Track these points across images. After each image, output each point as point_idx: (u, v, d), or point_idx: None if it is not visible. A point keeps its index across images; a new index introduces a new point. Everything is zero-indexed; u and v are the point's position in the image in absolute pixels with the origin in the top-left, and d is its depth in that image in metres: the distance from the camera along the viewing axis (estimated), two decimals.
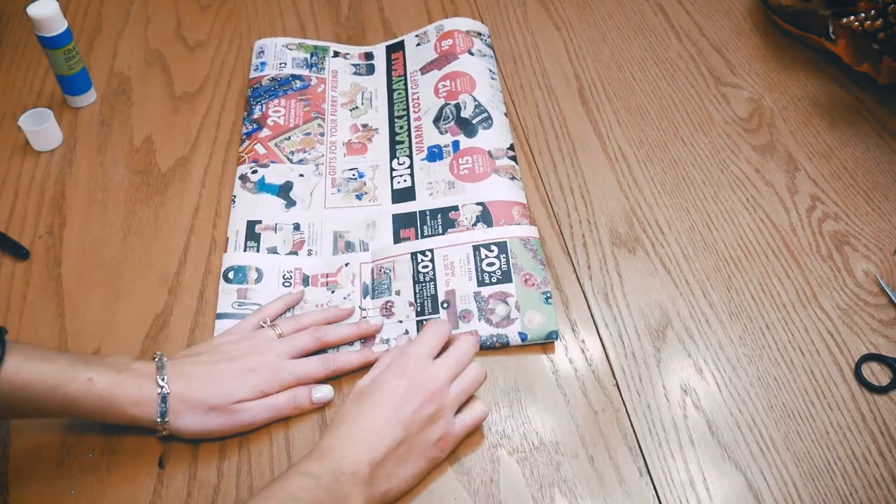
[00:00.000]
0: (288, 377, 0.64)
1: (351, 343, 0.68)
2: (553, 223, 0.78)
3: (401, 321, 0.69)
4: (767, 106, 0.89)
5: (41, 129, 0.85)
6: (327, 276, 0.73)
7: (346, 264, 0.74)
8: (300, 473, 0.54)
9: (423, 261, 0.72)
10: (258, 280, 0.72)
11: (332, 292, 0.72)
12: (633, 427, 0.63)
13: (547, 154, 0.84)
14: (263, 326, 0.67)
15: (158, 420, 0.59)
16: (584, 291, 0.72)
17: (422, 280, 0.71)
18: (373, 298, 0.71)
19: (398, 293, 0.71)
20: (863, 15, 0.84)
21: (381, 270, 0.73)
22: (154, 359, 0.61)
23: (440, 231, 0.75)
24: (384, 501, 0.57)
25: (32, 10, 0.83)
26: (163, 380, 0.59)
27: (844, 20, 0.85)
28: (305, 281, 0.73)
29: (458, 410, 0.61)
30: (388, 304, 0.70)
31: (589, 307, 0.71)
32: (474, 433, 0.62)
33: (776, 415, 0.63)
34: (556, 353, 0.68)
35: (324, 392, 0.64)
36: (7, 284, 0.74)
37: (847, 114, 0.87)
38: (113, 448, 0.62)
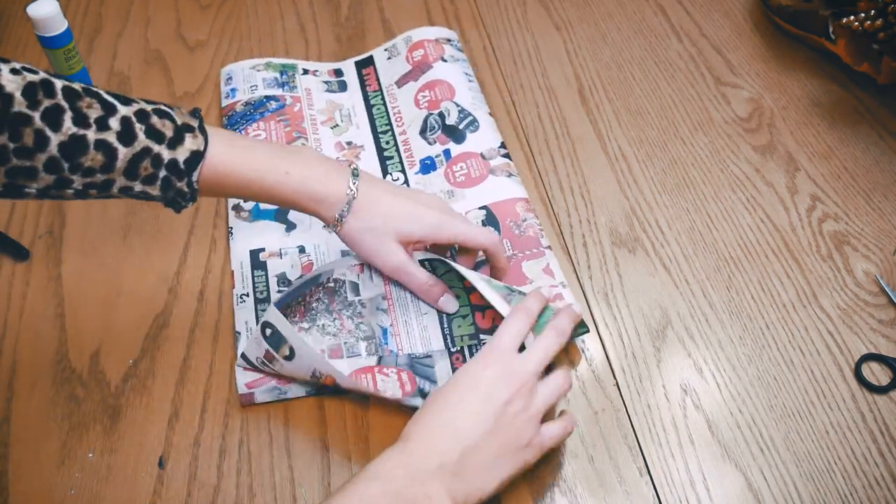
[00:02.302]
0: (451, 229, 0.65)
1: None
2: (553, 223, 0.78)
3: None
4: (767, 106, 0.89)
5: None
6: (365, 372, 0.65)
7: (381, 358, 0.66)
8: (370, 478, 0.51)
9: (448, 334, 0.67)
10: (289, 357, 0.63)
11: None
12: (633, 427, 0.63)
13: (547, 154, 0.84)
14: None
15: (337, 217, 0.63)
16: (584, 291, 0.72)
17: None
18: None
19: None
20: (863, 15, 0.84)
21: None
22: (349, 163, 0.65)
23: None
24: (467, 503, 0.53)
25: (32, 10, 0.83)
26: (353, 186, 0.62)
27: (844, 20, 0.85)
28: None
29: (544, 419, 0.58)
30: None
31: (589, 307, 0.71)
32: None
33: (776, 415, 0.63)
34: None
35: (447, 302, 0.67)
36: (7, 284, 0.74)
37: (847, 114, 0.87)
38: (113, 448, 0.62)
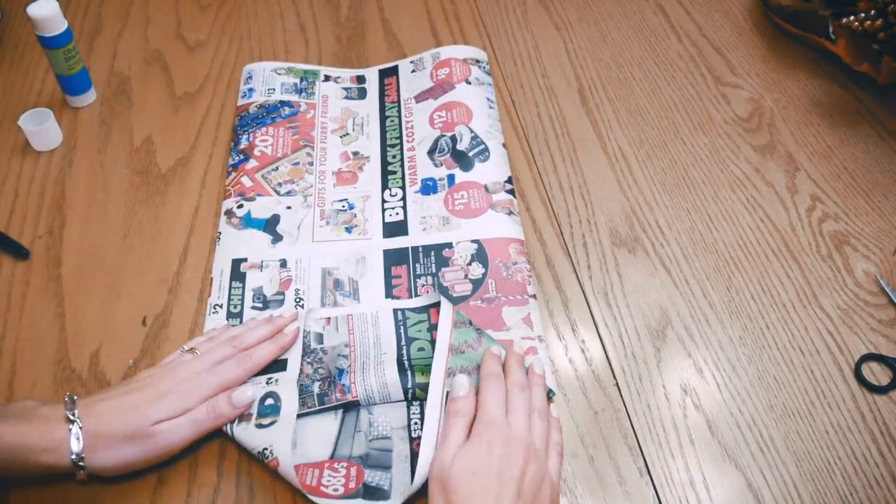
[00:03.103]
0: (206, 388, 0.60)
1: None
2: (553, 223, 0.78)
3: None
4: (767, 106, 0.89)
5: (41, 129, 0.85)
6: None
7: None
8: None
9: (414, 417, 0.63)
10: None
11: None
12: (633, 427, 0.63)
13: (547, 154, 0.84)
14: (181, 351, 0.64)
15: (74, 458, 0.55)
16: (584, 291, 0.72)
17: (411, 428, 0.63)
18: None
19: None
20: (863, 15, 0.84)
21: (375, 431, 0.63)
22: (65, 398, 0.58)
23: (433, 270, 0.72)
24: None
25: (32, 10, 0.83)
26: (73, 414, 0.56)
27: (844, 20, 0.85)
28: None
29: None
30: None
31: (589, 307, 0.71)
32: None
33: (776, 415, 0.63)
34: (556, 353, 0.67)
35: (242, 392, 0.61)
36: (7, 284, 0.74)
37: (847, 114, 0.87)
38: None
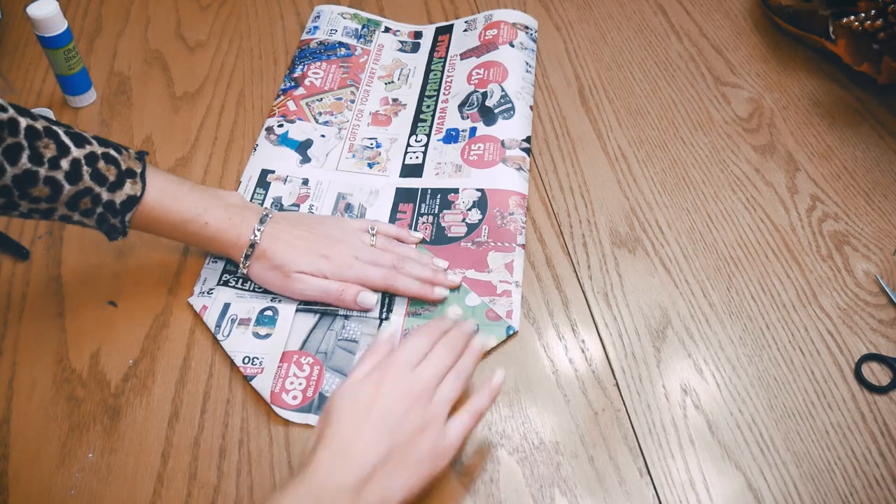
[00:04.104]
0: (350, 275, 0.69)
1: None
2: (553, 223, 0.78)
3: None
4: (767, 106, 0.89)
5: None
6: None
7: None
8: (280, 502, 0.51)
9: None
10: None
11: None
12: (633, 427, 0.63)
13: (547, 154, 0.84)
14: (368, 232, 0.73)
15: (242, 260, 0.69)
16: (584, 291, 0.72)
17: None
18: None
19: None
20: (863, 15, 0.84)
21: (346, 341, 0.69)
22: (263, 210, 0.71)
23: (436, 211, 0.77)
24: None
25: (32, 10, 0.83)
26: (257, 233, 0.69)
27: (844, 20, 0.85)
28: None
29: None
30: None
31: (589, 307, 0.71)
32: (475, 433, 0.62)
33: (776, 415, 0.63)
34: (556, 353, 0.68)
35: (366, 297, 0.69)
36: (7, 284, 0.74)
37: (847, 114, 0.87)
38: (113, 448, 0.62)
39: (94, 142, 0.65)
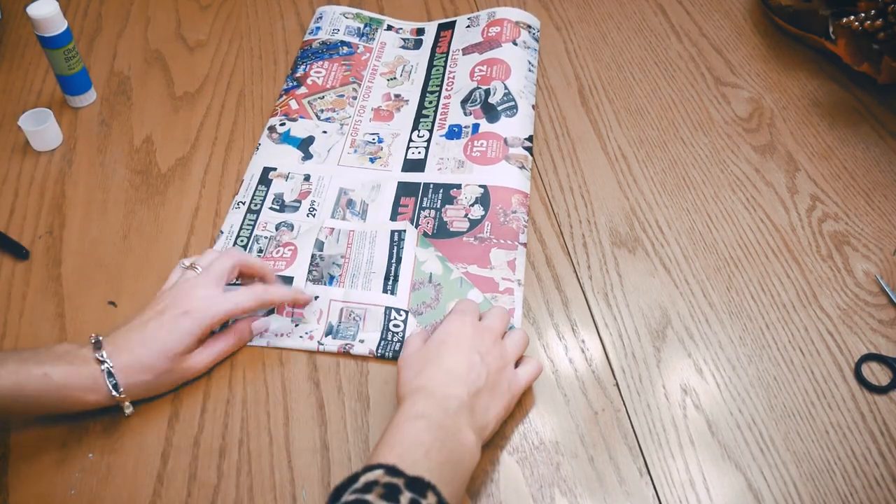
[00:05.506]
0: (219, 311, 0.64)
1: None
2: (553, 223, 0.78)
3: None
4: (767, 106, 0.89)
5: (41, 129, 0.85)
6: (293, 309, 0.70)
7: (316, 297, 0.70)
8: (412, 418, 0.54)
9: (395, 319, 0.69)
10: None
11: (296, 325, 0.69)
12: (633, 427, 0.63)
13: (547, 154, 0.84)
14: (184, 268, 0.68)
15: (115, 395, 0.60)
16: (584, 291, 0.72)
17: (389, 338, 0.68)
18: (334, 338, 0.68)
19: (361, 342, 0.68)
20: (863, 15, 0.84)
21: (349, 315, 0.69)
22: (91, 340, 0.60)
23: (438, 206, 0.77)
24: (482, 437, 0.58)
25: (32, 10, 0.83)
26: (102, 356, 0.59)
27: (844, 20, 0.85)
28: (270, 310, 0.70)
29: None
30: (348, 346, 0.68)
31: (589, 307, 0.71)
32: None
33: (776, 415, 0.63)
34: (556, 353, 0.68)
35: (262, 322, 0.68)
36: (7, 284, 0.74)
37: (847, 114, 0.87)
38: (113, 448, 0.62)
39: None
